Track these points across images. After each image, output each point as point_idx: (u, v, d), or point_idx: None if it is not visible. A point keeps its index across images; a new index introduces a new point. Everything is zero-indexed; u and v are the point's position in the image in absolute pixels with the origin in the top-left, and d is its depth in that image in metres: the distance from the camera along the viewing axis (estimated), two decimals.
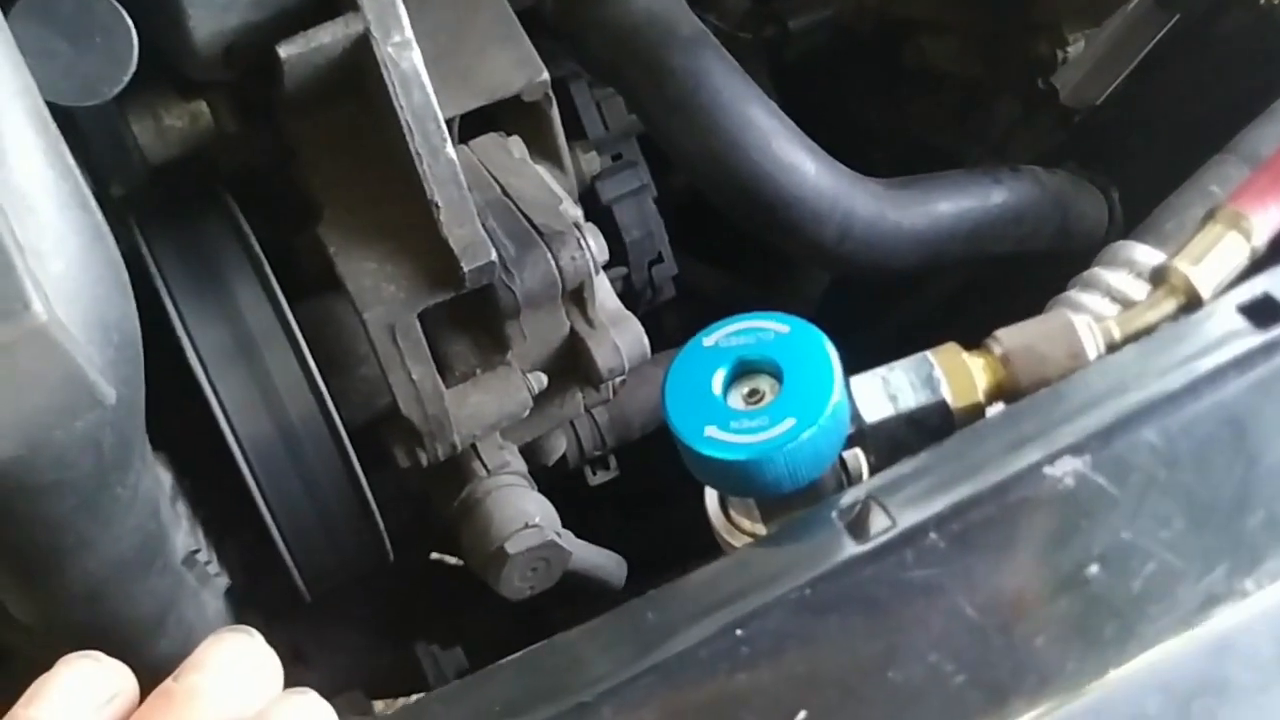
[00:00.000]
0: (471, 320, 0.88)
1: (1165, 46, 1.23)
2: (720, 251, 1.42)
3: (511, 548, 0.86)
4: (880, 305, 1.37)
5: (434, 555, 1.15)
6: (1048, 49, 1.22)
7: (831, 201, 1.02)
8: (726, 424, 0.55)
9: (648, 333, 1.28)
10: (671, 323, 1.44)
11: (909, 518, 0.55)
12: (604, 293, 0.93)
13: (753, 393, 0.57)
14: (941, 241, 1.10)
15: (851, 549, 0.54)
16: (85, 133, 0.80)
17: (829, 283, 1.38)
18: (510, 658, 0.55)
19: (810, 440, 0.54)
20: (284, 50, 0.75)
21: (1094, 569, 0.55)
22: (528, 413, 0.89)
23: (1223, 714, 0.62)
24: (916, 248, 1.09)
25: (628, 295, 1.22)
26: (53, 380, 0.51)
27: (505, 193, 0.90)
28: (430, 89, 0.78)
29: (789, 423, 0.54)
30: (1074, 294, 0.69)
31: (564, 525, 0.92)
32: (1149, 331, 0.60)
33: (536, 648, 0.54)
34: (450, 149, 0.79)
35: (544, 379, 0.90)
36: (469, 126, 0.97)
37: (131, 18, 0.73)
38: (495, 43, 0.96)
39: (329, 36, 0.76)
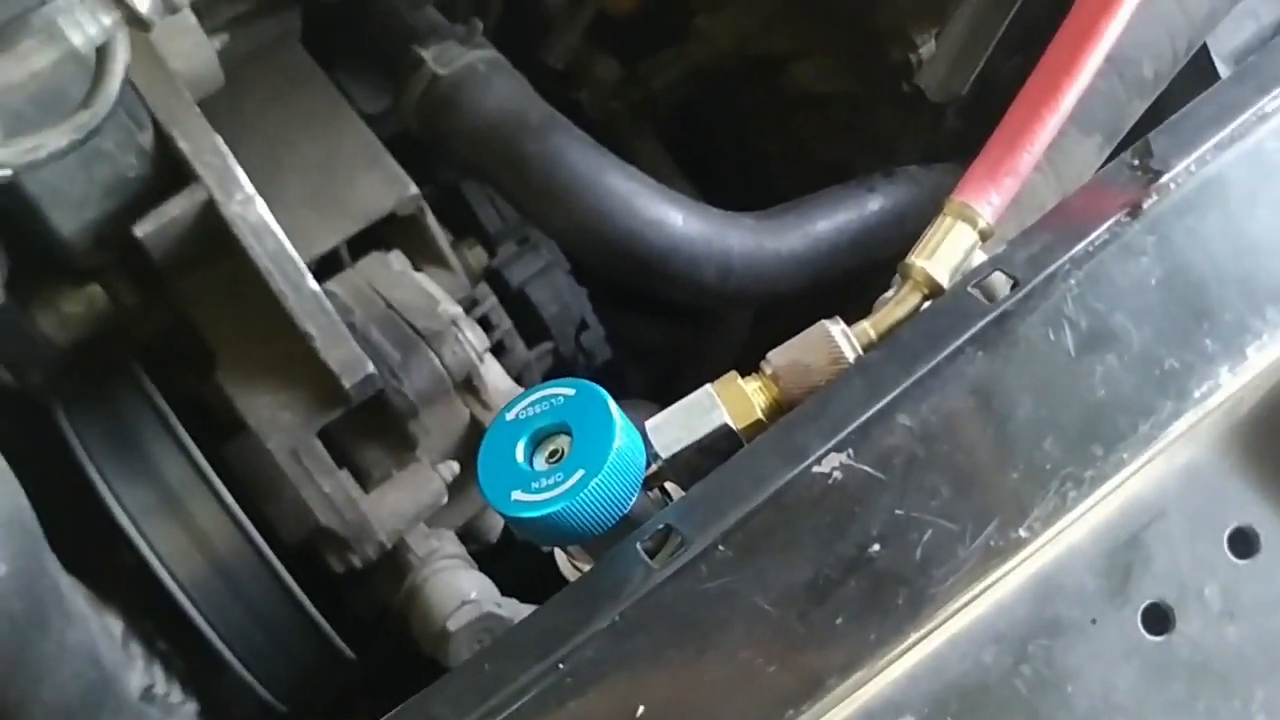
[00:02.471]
0: (377, 427, 0.96)
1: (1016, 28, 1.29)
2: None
3: (452, 625, 0.93)
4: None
5: None
6: (900, 54, 1.28)
7: (705, 245, 1.10)
8: (529, 486, 0.62)
9: (612, 391, 1.35)
10: (636, 379, 1.51)
11: (701, 536, 0.61)
12: (495, 375, 1.00)
13: (553, 453, 0.64)
14: (824, 258, 1.16)
15: (653, 574, 0.60)
16: None
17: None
18: None
19: (599, 487, 0.61)
20: (140, 230, 0.84)
21: (875, 548, 0.61)
22: (446, 500, 0.96)
23: (1057, 648, 0.67)
24: (801, 269, 1.15)
25: (561, 365, 1.30)
26: None
27: (389, 305, 0.98)
28: (281, 235, 0.86)
29: (579, 474, 0.61)
30: None
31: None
32: (901, 325, 0.67)
33: (396, 711, 0.61)
34: (311, 283, 0.87)
35: (456, 466, 0.97)
36: (357, 245, 1.05)
37: (3, 234, 0.83)
38: (364, 169, 1.06)
39: (178, 209, 0.85)
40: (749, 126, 1.46)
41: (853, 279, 1.27)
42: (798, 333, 0.70)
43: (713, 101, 1.42)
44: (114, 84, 0.71)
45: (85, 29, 0.67)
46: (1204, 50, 1.11)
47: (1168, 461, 0.69)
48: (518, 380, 1.21)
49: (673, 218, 1.08)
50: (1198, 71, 1.09)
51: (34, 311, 0.91)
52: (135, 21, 0.68)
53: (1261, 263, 0.66)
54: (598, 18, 1.33)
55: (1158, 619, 0.68)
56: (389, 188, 1.04)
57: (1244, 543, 0.70)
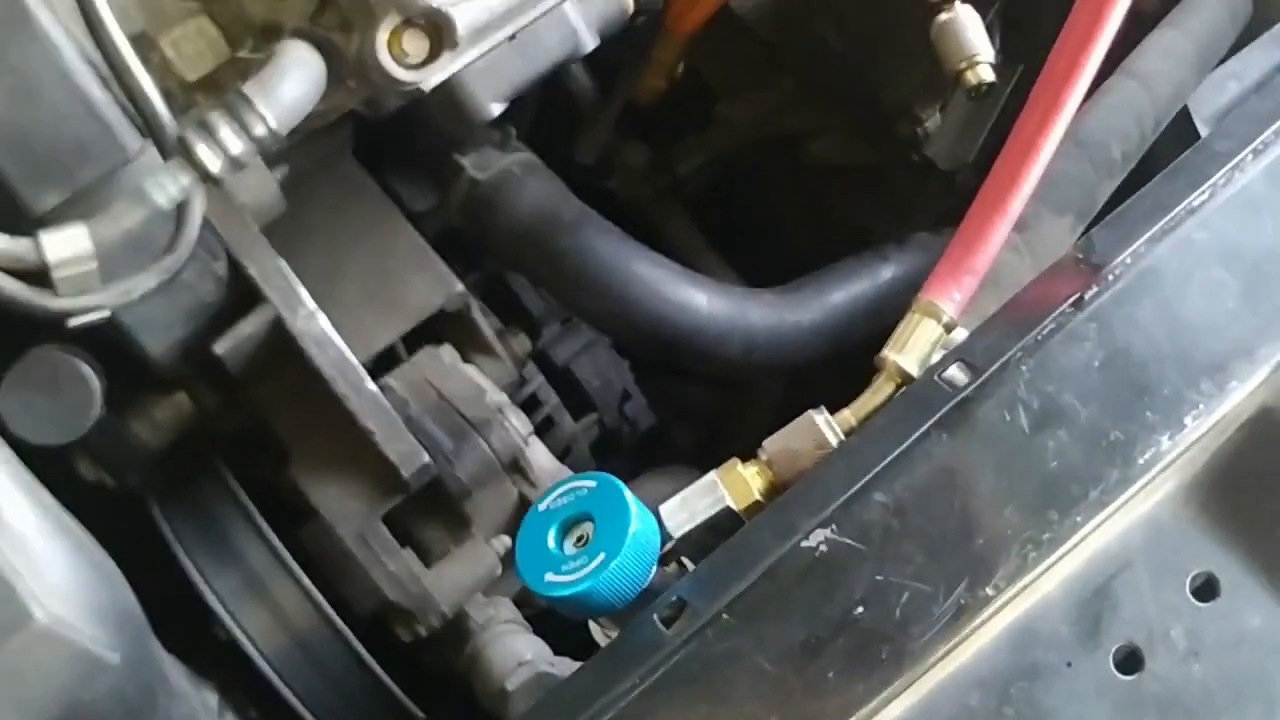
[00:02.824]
0: (435, 508, 1.06)
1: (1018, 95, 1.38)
2: None
3: (511, 685, 1.03)
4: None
5: None
6: (907, 128, 1.37)
7: (729, 323, 1.19)
8: (559, 568, 0.72)
9: (661, 454, 1.46)
10: (682, 439, 1.61)
11: (709, 606, 0.70)
12: (540, 456, 1.11)
13: (579, 538, 0.74)
14: (842, 327, 1.25)
15: (668, 641, 0.70)
16: (95, 442, 1.01)
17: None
18: None
19: (619, 567, 0.71)
20: (218, 347, 0.96)
21: (860, 610, 0.70)
22: (500, 571, 1.07)
23: (1037, 690, 0.76)
24: (820, 339, 1.25)
25: (606, 435, 1.40)
26: (67, 660, 0.71)
27: (441, 396, 1.09)
28: (341, 343, 0.98)
29: (601, 557, 0.71)
30: None
31: None
32: (877, 412, 0.76)
33: None
34: (369, 384, 0.98)
35: (507, 540, 1.08)
36: (412, 339, 1.16)
37: (102, 356, 0.95)
38: (414, 270, 1.17)
39: (251, 327, 0.96)
40: (773, 199, 1.56)
41: (872, 342, 1.36)
42: (829, 388, 0.80)
43: (737, 178, 1.52)
44: (192, 231, 0.83)
45: (167, 190, 0.78)
46: (1185, 114, 1.19)
47: (1130, 516, 0.77)
48: (566, 450, 1.31)
49: (697, 299, 1.18)
50: (1179, 135, 1.18)
51: (130, 420, 1.02)
52: (208, 179, 0.79)
53: (1195, 340, 0.74)
54: (625, 107, 1.44)
55: (1128, 660, 0.77)
56: (437, 287, 1.14)
57: (1206, 587, 0.78)
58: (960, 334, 0.79)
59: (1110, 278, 0.74)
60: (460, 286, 1.15)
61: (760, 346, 1.21)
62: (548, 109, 1.40)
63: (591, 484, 0.74)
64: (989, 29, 1.31)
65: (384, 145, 1.29)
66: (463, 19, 0.84)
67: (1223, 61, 1.23)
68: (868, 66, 1.30)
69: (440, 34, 0.85)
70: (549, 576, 0.72)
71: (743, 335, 1.19)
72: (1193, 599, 0.78)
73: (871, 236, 1.41)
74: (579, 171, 1.41)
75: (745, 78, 1.42)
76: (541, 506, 0.75)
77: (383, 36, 0.84)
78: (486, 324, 1.19)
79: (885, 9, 1.18)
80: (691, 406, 1.61)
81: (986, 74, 0.98)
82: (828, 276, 1.28)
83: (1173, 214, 0.75)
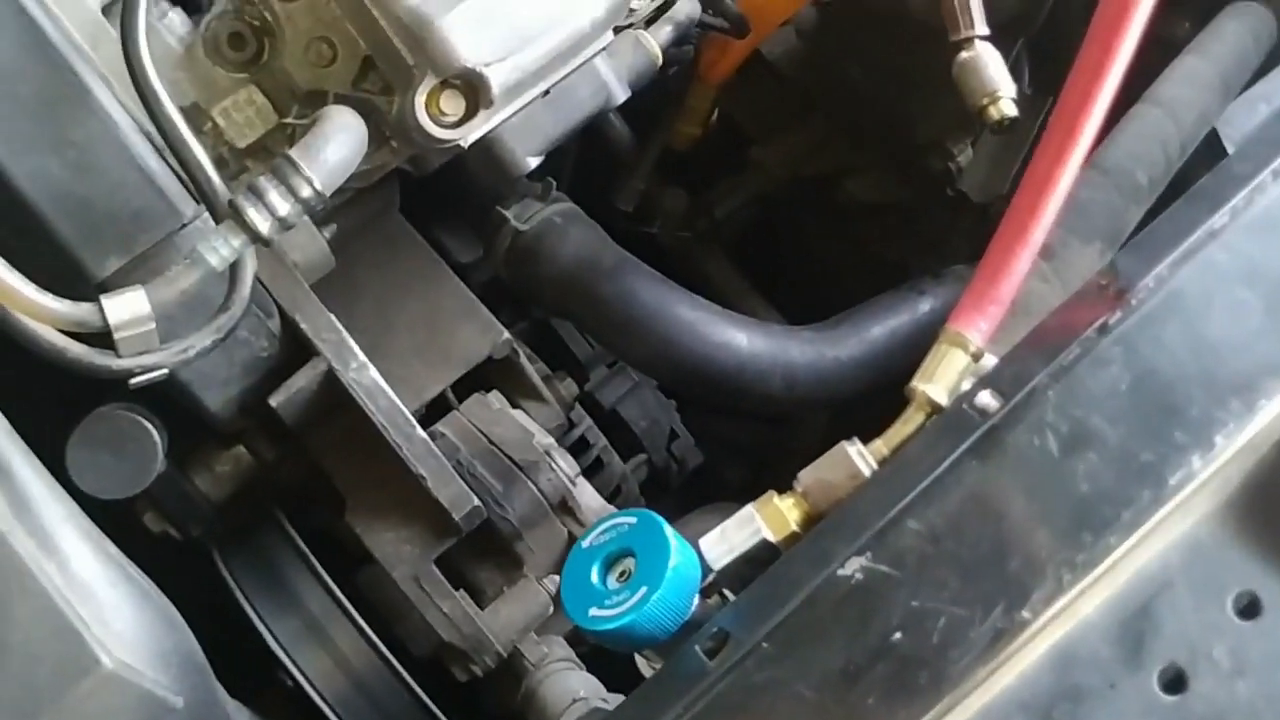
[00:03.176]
0: (488, 550, 1.09)
1: None
2: None
3: None
4: None
5: None
6: (940, 163, 1.40)
7: (770, 360, 1.21)
8: (602, 603, 0.75)
9: (711, 491, 1.48)
10: (732, 475, 1.63)
11: (749, 636, 0.72)
12: (588, 496, 1.13)
13: (623, 573, 0.76)
14: (882, 360, 1.27)
15: (710, 671, 0.72)
16: (159, 495, 1.05)
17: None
18: None
19: (660, 600, 0.73)
20: (274, 400, 0.99)
21: (897, 636, 0.72)
22: (552, 610, 1.09)
23: (1081, 713, 0.77)
24: (861, 373, 1.26)
25: (655, 474, 1.43)
26: (133, 704, 0.74)
27: (490, 441, 1.12)
28: (391, 393, 1.01)
29: (643, 591, 0.73)
30: None
31: None
32: (909, 441, 0.78)
33: None
34: (419, 432, 1.01)
35: (559, 579, 1.10)
36: (461, 387, 1.20)
37: (163, 413, 0.99)
38: (461, 320, 1.20)
39: (304, 380, 1.00)
40: (811, 237, 1.58)
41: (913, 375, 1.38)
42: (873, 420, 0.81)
43: (775, 218, 1.55)
44: (245, 290, 0.87)
45: (220, 251, 0.82)
46: (1215, 136, 1.20)
47: (1167, 537, 0.78)
48: (616, 490, 1.34)
49: (737, 338, 1.21)
50: (1210, 158, 1.19)
51: (191, 473, 1.06)
52: (258, 239, 0.83)
53: (1221, 360, 0.75)
54: (662, 153, 1.47)
55: (1173, 681, 0.77)
56: (484, 335, 1.18)
57: (1249, 606, 0.79)
58: (989, 362, 0.80)
59: (1134, 302, 0.75)
60: (506, 334, 1.18)
61: (801, 382, 1.23)
62: (587, 158, 1.43)
63: (632, 520, 0.77)
64: (1017, 62, 1.34)
65: (430, 201, 1.33)
66: (497, 78, 0.88)
67: (1251, 84, 1.25)
68: (898, 105, 1.32)
69: (476, 93, 0.88)
70: (593, 611, 0.74)
71: (784, 372, 1.21)
72: (1236, 618, 0.78)
73: (909, 271, 1.43)
74: (620, 218, 1.44)
75: (778, 120, 1.45)
76: (585, 543, 0.77)
77: (421, 97, 0.88)
78: (533, 370, 1.22)
79: (911, 48, 1.21)
80: (739, 443, 1.63)
81: (1009, 109, 1.00)
82: (866, 311, 1.30)
83: (1194, 237, 0.77)
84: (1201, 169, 1.17)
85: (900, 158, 1.43)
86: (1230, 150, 1.19)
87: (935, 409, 0.78)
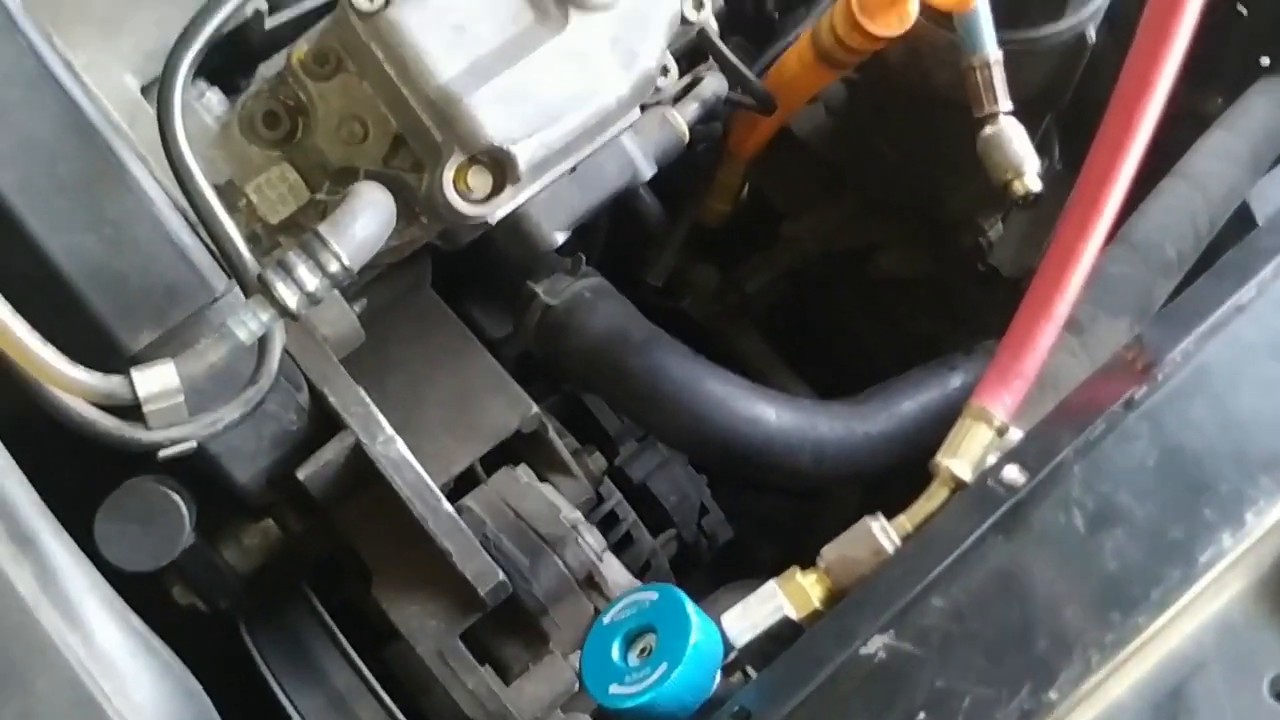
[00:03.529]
0: (513, 625, 1.08)
1: None
2: None
3: None
4: None
5: None
6: (970, 239, 1.40)
7: (800, 435, 1.21)
8: (623, 679, 0.74)
9: (742, 566, 1.47)
10: (765, 551, 1.62)
11: (771, 714, 0.71)
12: (615, 571, 1.12)
13: (644, 649, 0.76)
14: (912, 436, 1.26)
15: None
16: (187, 567, 1.05)
17: None
18: None
19: (681, 677, 0.72)
20: (302, 473, 1.00)
21: (921, 716, 0.71)
22: (577, 687, 1.08)
23: None
24: (891, 447, 1.25)
25: (685, 549, 1.42)
26: None
27: (517, 515, 1.12)
28: (418, 467, 1.01)
29: (663, 668, 0.73)
30: None
31: None
32: (933, 517, 0.77)
33: None
34: (446, 506, 1.02)
35: None
36: (490, 460, 1.20)
37: (192, 484, 0.99)
38: (491, 394, 1.21)
39: (332, 453, 1.00)
40: (842, 311, 1.58)
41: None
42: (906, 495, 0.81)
43: (806, 293, 1.55)
44: (273, 364, 0.88)
45: (248, 326, 0.83)
46: (1246, 208, 1.20)
47: (1199, 617, 0.77)
48: (645, 566, 1.33)
49: (766, 413, 1.20)
50: (1242, 230, 1.18)
51: (219, 546, 1.07)
52: (287, 314, 0.84)
53: (1250, 437, 0.75)
54: (693, 228, 1.48)
55: None
56: (513, 409, 1.18)
57: None
58: (1015, 436, 0.80)
59: (1160, 377, 0.75)
60: (535, 408, 1.19)
61: (830, 457, 1.22)
62: (619, 232, 1.44)
63: (654, 596, 0.76)
64: (1046, 137, 1.35)
65: (462, 276, 1.34)
66: (523, 155, 0.89)
67: None
68: (927, 181, 1.33)
69: (503, 170, 0.90)
70: (614, 688, 0.74)
71: (813, 447, 1.21)
72: (1272, 700, 0.77)
73: (941, 345, 1.42)
74: (651, 293, 1.45)
75: (809, 196, 1.46)
76: (606, 619, 0.77)
77: (449, 174, 0.89)
78: (562, 444, 1.22)
79: (939, 125, 1.21)
80: (772, 518, 1.62)
81: (1033, 184, 1.00)
82: (896, 386, 1.29)
83: (1221, 311, 0.76)
84: (1233, 242, 1.17)
85: (931, 233, 1.43)
86: (1260, 223, 1.18)
87: (959, 485, 0.77)
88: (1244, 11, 1.51)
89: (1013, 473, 0.74)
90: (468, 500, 1.12)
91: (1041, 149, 1.39)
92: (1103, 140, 0.81)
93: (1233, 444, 0.74)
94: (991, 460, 0.78)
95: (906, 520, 0.77)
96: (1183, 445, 0.74)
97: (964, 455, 0.78)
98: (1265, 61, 1.45)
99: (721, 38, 1.11)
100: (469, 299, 1.35)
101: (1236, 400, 0.75)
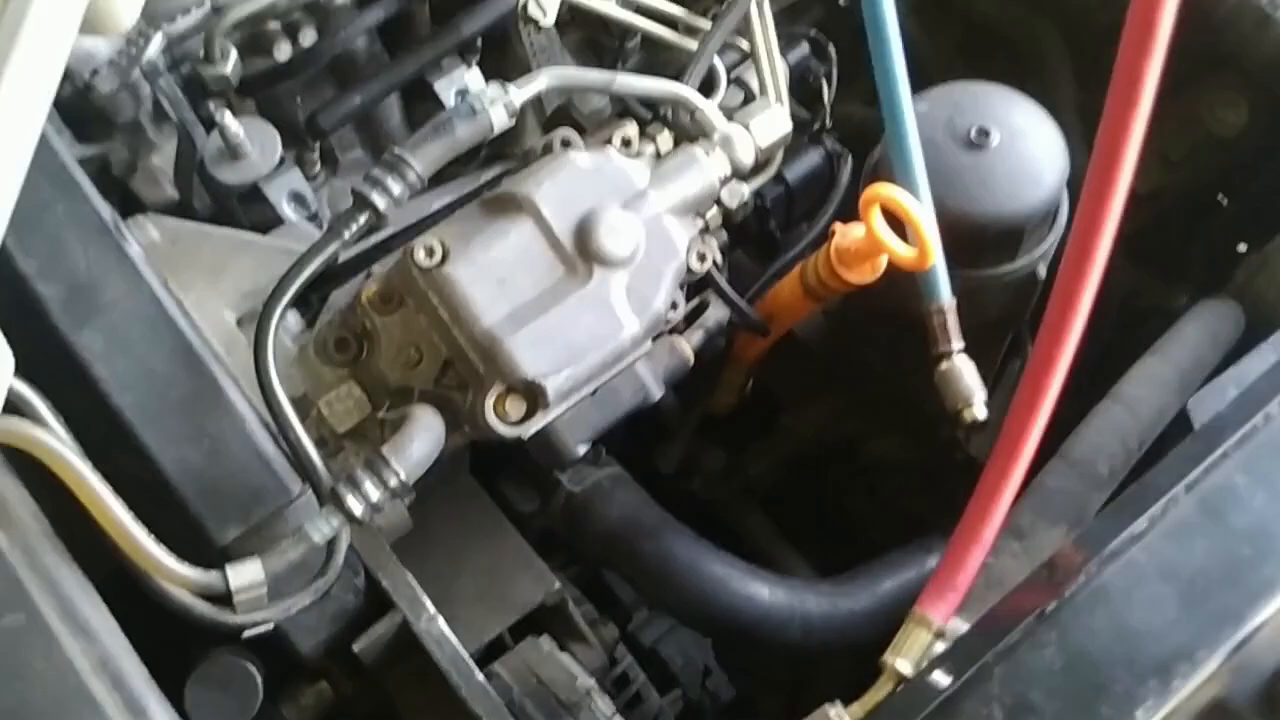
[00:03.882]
0: None
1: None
2: None
3: None
4: None
5: None
6: (949, 432, 1.56)
7: (789, 612, 1.37)
8: None
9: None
10: (769, 705, 1.76)
11: None
12: None
13: None
14: (891, 612, 1.41)
15: None
16: None
17: None
18: None
19: None
20: (357, 646, 1.16)
21: None
22: None
23: None
24: (873, 622, 1.41)
25: (690, 708, 1.57)
26: None
27: (539, 680, 1.28)
28: (456, 642, 1.18)
29: None
30: None
31: None
32: (879, 707, 0.93)
33: None
34: (478, 675, 1.18)
35: None
36: (518, 629, 1.36)
37: (260, 651, 1.16)
38: (519, 570, 1.38)
39: (383, 629, 1.17)
40: (838, 492, 1.75)
41: None
42: None
43: (804, 476, 1.72)
44: (340, 559, 1.06)
45: (322, 530, 1.01)
46: (1185, 418, 1.36)
47: None
48: None
49: (760, 592, 1.37)
50: (1180, 434, 1.35)
51: (282, 706, 1.23)
52: (353, 521, 1.02)
53: (1141, 645, 0.90)
54: (703, 418, 1.66)
55: None
56: (539, 584, 1.35)
57: None
58: (959, 628, 0.96)
59: (1067, 593, 0.91)
60: (557, 584, 1.36)
61: (818, 630, 1.38)
62: (636, 422, 1.62)
63: None
64: (1017, 342, 1.52)
65: (496, 459, 1.52)
66: (553, 386, 1.07)
67: (1222, 369, 1.41)
68: (907, 383, 1.50)
69: (535, 398, 1.08)
70: None
71: (801, 622, 1.37)
72: None
73: (926, 523, 1.58)
74: (663, 476, 1.63)
75: (807, 389, 1.64)
76: None
77: (490, 401, 1.08)
78: (580, 615, 1.39)
79: (914, 338, 1.39)
80: (775, 674, 1.77)
81: (980, 412, 1.18)
82: (879, 566, 1.46)
83: (1119, 539, 0.93)
84: (1170, 445, 1.33)
85: (915, 423, 1.60)
86: (1196, 428, 1.34)
87: (901, 679, 0.93)
88: (1224, 201, 1.68)
89: (940, 675, 0.90)
90: (496, 666, 1.28)
91: (1014, 350, 1.58)
92: (1032, 368, 0.97)
93: (1127, 651, 0.90)
94: (939, 649, 0.94)
95: (859, 708, 0.93)
96: (1085, 651, 0.90)
97: (907, 655, 0.94)
98: (1243, 248, 1.62)
99: (727, 251, 1.30)
100: (502, 477, 1.53)
101: (1130, 614, 0.91)
